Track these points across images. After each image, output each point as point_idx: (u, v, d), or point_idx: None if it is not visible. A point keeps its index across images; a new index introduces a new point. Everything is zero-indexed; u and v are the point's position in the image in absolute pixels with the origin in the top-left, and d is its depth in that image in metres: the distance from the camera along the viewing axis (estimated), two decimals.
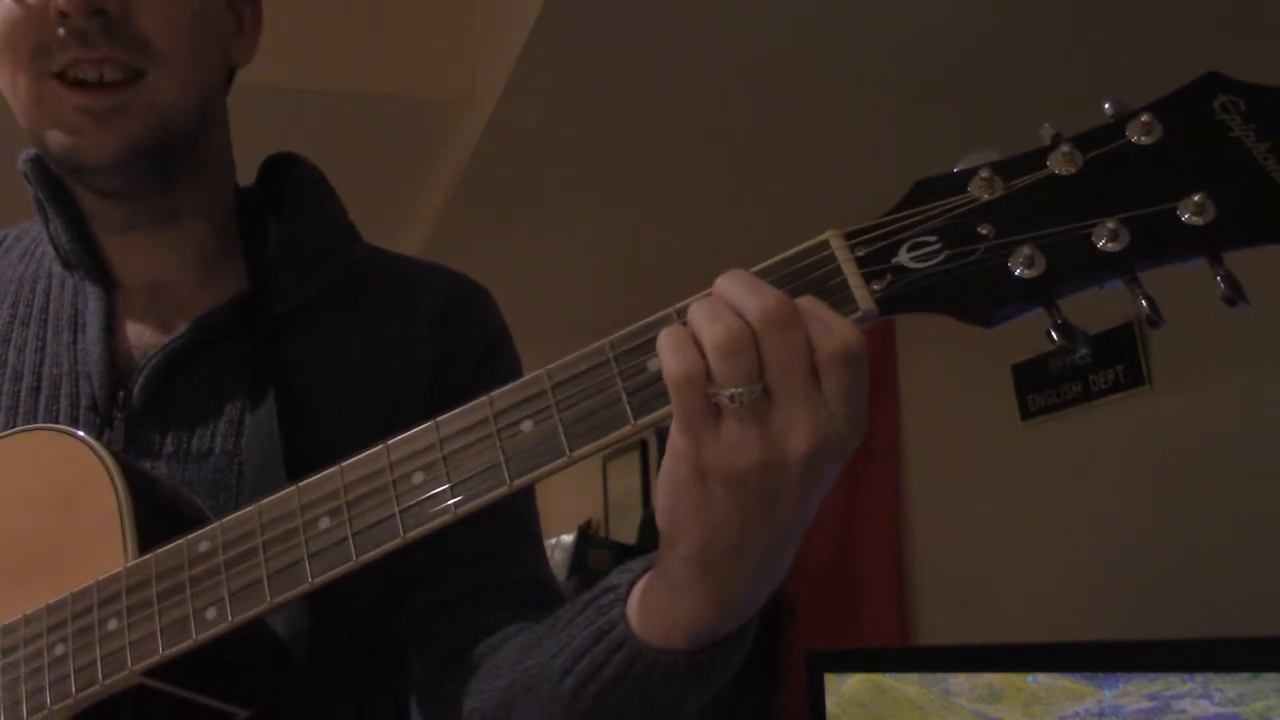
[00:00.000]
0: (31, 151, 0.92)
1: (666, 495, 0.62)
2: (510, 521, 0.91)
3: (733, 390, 0.58)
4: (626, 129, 2.24)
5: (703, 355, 0.59)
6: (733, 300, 0.60)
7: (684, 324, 0.61)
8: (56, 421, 0.86)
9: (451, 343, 0.94)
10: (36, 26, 0.81)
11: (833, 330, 0.59)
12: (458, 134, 2.44)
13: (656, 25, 1.87)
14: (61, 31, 0.81)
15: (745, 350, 0.58)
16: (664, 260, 2.91)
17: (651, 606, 0.67)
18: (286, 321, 0.91)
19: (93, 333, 0.89)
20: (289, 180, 0.98)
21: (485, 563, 0.89)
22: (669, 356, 0.59)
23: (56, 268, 0.94)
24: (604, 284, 3.23)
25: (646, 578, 0.68)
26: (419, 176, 2.71)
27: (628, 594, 0.69)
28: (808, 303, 0.60)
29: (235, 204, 0.97)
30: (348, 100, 2.32)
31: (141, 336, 0.91)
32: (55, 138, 0.84)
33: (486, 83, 2.25)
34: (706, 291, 0.62)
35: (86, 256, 0.91)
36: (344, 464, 0.69)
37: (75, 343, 0.90)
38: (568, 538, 4.15)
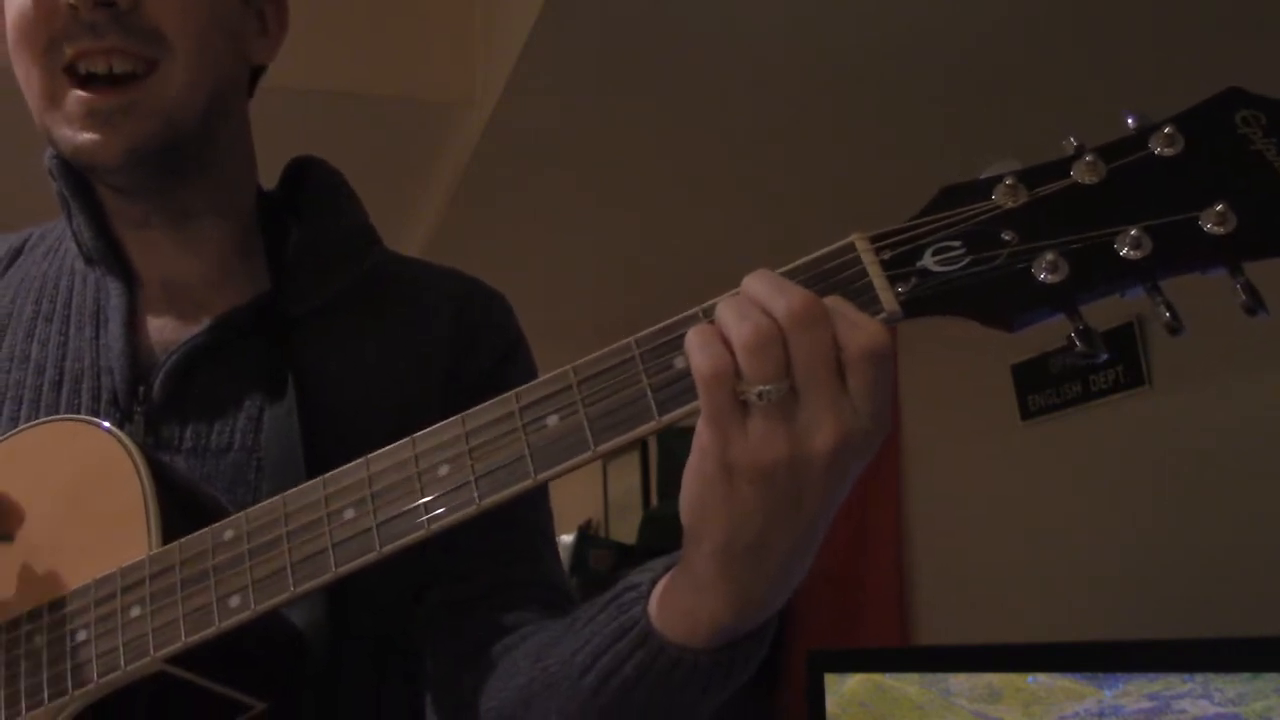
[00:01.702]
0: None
1: (692, 491, 0.63)
2: (527, 525, 0.92)
3: (761, 387, 0.59)
4: (626, 129, 2.24)
5: (731, 353, 0.59)
6: (760, 299, 0.61)
7: (711, 322, 0.61)
8: (77, 415, 0.87)
9: (465, 348, 0.95)
10: (48, 20, 0.82)
11: (860, 328, 0.60)
12: (458, 134, 2.44)
13: (656, 25, 1.87)
14: (73, 24, 0.81)
15: (773, 348, 0.59)
16: (664, 260, 2.91)
17: (674, 603, 0.67)
18: (303, 323, 0.92)
19: (115, 328, 0.89)
20: (309, 184, 0.99)
21: (502, 564, 0.89)
22: (697, 353, 0.60)
23: (79, 264, 0.94)
24: (604, 284, 3.23)
25: (669, 575, 0.69)
26: (419, 177, 2.71)
27: (649, 592, 0.69)
28: (835, 302, 0.61)
29: (256, 206, 0.98)
30: (348, 100, 2.32)
31: (162, 332, 0.91)
32: (64, 136, 0.84)
33: (486, 83, 2.25)
34: (734, 291, 0.63)
35: (108, 252, 0.92)
36: (370, 456, 0.70)
37: (97, 338, 0.90)
38: (567, 538, 4.15)
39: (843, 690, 2.25)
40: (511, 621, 0.86)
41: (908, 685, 2.15)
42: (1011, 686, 1.98)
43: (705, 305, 0.64)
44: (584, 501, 4.85)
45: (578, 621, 0.75)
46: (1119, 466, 2.39)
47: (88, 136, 0.83)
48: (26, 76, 0.85)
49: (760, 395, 0.59)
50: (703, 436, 0.61)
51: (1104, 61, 1.94)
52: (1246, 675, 1.67)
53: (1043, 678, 1.94)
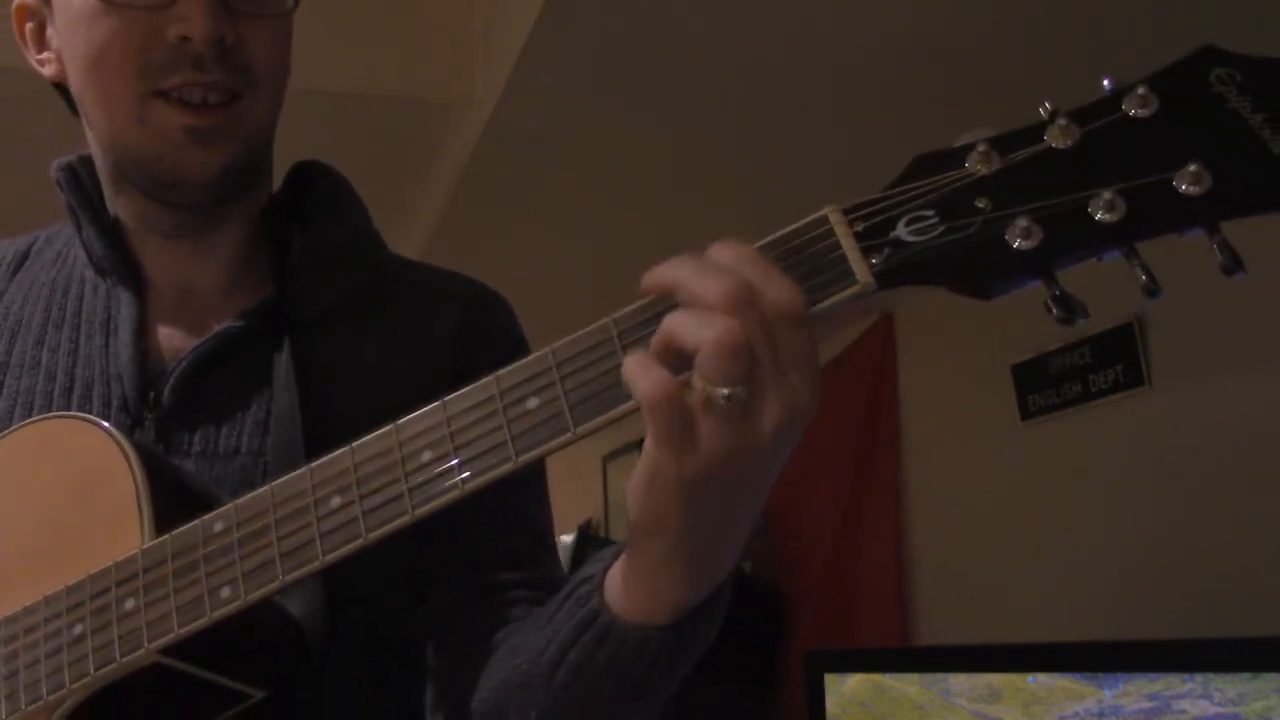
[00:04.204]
0: (63, 160, 0.95)
1: (643, 503, 0.63)
2: (524, 525, 0.93)
3: (729, 390, 0.58)
4: (626, 129, 2.24)
5: (672, 371, 0.58)
6: (714, 299, 0.59)
7: (681, 312, 0.60)
8: (70, 412, 0.88)
9: (469, 350, 0.95)
10: (146, 46, 0.83)
11: (777, 297, 0.59)
12: (458, 134, 2.44)
13: (657, 25, 1.87)
14: (177, 54, 0.83)
15: (746, 350, 0.58)
16: (664, 260, 2.90)
17: (634, 589, 0.68)
18: (308, 326, 0.93)
19: (125, 336, 0.91)
20: (314, 188, 1.00)
21: (500, 565, 0.90)
22: (641, 382, 0.59)
23: (89, 272, 0.96)
24: (604, 284, 3.22)
25: (621, 562, 0.69)
26: (419, 177, 2.71)
27: (603, 582, 0.70)
28: (751, 271, 0.59)
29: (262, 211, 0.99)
30: (348, 101, 2.32)
31: (171, 339, 0.93)
32: (156, 153, 0.86)
33: (486, 83, 2.25)
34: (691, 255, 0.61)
35: (119, 262, 0.93)
36: (354, 444, 0.71)
37: (107, 345, 0.92)
38: (567, 538, 4.15)
39: (842, 690, 2.25)
40: (506, 621, 0.86)
41: (908, 685, 2.15)
42: (1011, 686, 1.98)
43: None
44: (584, 501, 4.85)
45: (541, 620, 0.76)
46: (1119, 466, 2.39)
47: (188, 155, 0.85)
48: (111, 97, 0.86)
49: (728, 398, 0.58)
50: (653, 457, 0.61)
51: (1104, 62, 1.93)
52: (1246, 675, 1.67)
53: (1043, 678, 1.94)
